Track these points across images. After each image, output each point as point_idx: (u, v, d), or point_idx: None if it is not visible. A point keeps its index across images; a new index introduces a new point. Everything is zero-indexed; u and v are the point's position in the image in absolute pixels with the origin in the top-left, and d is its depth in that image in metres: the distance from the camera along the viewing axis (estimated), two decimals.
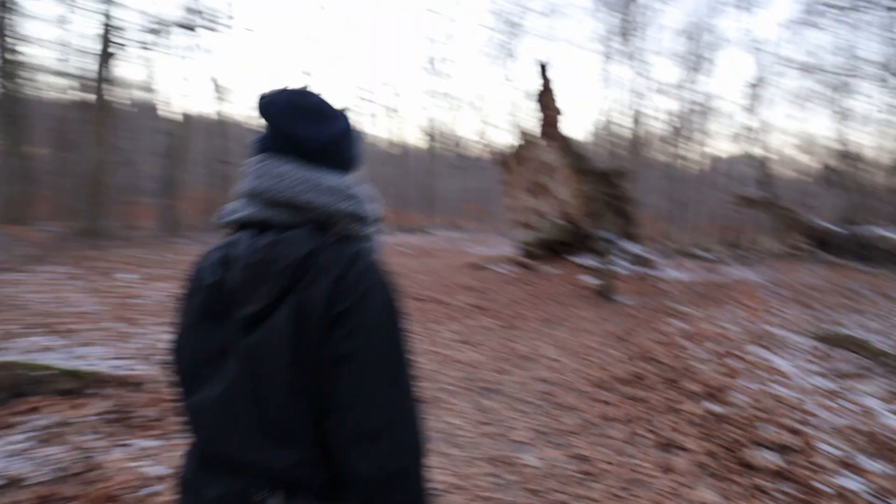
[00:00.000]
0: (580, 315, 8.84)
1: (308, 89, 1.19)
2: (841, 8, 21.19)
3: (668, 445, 4.13)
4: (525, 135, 15.42)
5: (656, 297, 10.51)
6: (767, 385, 5.21)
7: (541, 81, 14.82)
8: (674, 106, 38.47)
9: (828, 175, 24.10)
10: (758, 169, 23.08)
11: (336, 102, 1.22)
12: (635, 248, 14.65)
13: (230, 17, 23.81)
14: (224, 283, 1.12)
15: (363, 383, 1.04)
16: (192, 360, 1.16)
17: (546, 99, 14.83)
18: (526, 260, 13.79)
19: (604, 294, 10.15)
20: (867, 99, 40.66)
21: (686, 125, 37.99)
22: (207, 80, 24.12)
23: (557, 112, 14.71)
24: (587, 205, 14.55)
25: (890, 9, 24.62)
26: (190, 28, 19.87)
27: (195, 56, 23.55)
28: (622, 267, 13.73)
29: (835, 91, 33.75)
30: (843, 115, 31.14)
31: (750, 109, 31.26)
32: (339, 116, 1.20)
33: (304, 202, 1.11)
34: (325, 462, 1.07)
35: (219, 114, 23.65)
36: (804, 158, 41.10)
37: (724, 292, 11.08)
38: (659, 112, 35.03)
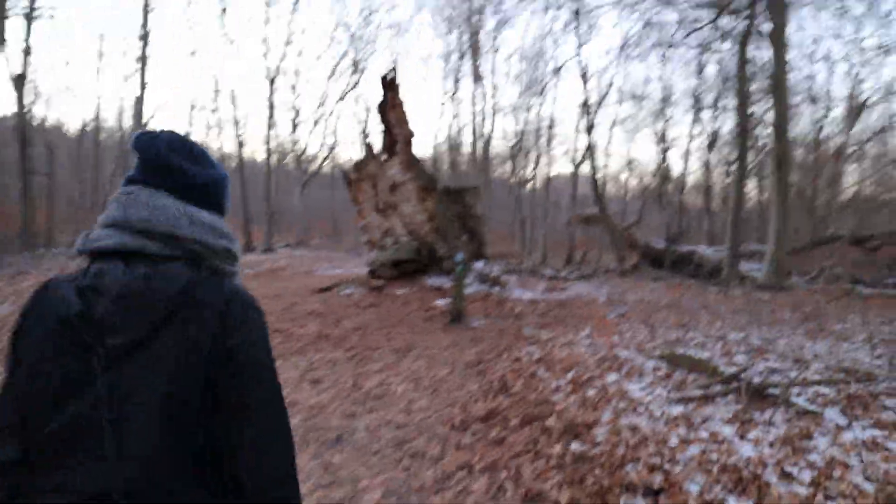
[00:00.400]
0: (433, 341, 8.40)
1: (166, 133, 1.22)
2: (656, 45, 23.20)
3: (534, 498, 3.73)
4: (370, 150, 14.91)
5: (506, 318, 10.37)
6: (627, 416, 5.02)
7: (385, 95, 14.39)
8: (514, 126, 39.96)
9: (655, 195, 25.89)
10: (592, 189, 24.33)
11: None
12: (484, 267, 14.60)
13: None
14: (87, 315, 1.06)
15: (263, 430, 1.08)
16: (41, 395, 1.05)
17: (391, 114, 14.42)
18: (377, 282, 13.21)
19: (454, 317, 9.82)
20: (681, 126, 44.47)
21: (526, 145, 39.65)
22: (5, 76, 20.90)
23: (404, 128, 14.35)
24: (436, 223, 14.28)
25: (700, 46, 27.30)
26: None
27: None
28: (471, 286, 13.59)
29: (655, 118, 36.89)
30: (663, 140, 34.02)
31: (583, 132, 33.23)
32: (218, 164, 1.27)
33: (183, 235, 1.12)
34: (203, 493, 1.06)
35: (20, 116, 20.72)
36: (631, 180, 44.57)
37: (571, 311, 11.23)
38: (500, 132, 36.17)
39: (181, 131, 1.25)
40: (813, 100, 29.14)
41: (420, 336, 8.74)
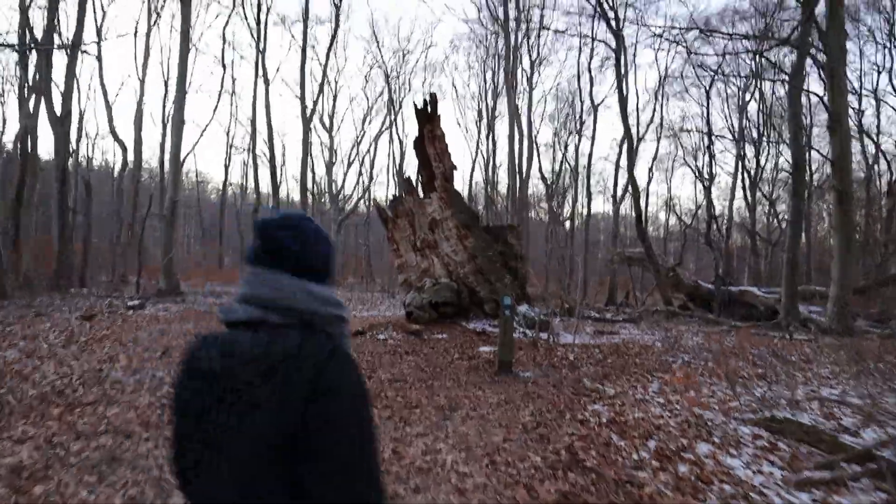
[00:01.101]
0: (481, 397, 7.34)
1: (304, 214, 1.43)
2: (695, 82, 22.38)
3: None
4: (408, 185, 14.11)
5: (559, 368, 9.27)
6: None
7: (422, 127, 13.63)
8: (552, 165, 39.13)
9: (701, 235, 24.55)
10: (637, 227, 23.18)
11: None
12: (528, 310, 13.53)
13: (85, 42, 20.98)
14: (221, 372, 1.20)
15: (335, 474, 1.14)
16: (181, 434, 1.25)
17: (430, 147, 13.64)
18: (414, 326, 12.23)
19: (502, 367, 8.75)
20: (723, 163, 43.25)
21: (563, 184, 38.71)
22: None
23: (444, 161, 13.54)
24: (478, 263, 13.32)
25: (745, 77, 26.34)
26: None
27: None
28: (516, 331, 12.52)
29: (695, 156, 35.71)
30: (704, 178, 32.77)
31: (623, 169, 32.20)
32: (327, 239, 1.41)
33: (299, 308, 1.26)
34: None
35: (59, 154, 20.55)
36: (669, 218, 43.18)
37: (629, 360, 10.08)
38: (537, 170, 35.34)
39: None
40: (865, 134, 27.79)
41: (466, 390, 7.69)
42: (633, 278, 28.09)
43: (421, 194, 13.93)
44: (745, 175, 33.09)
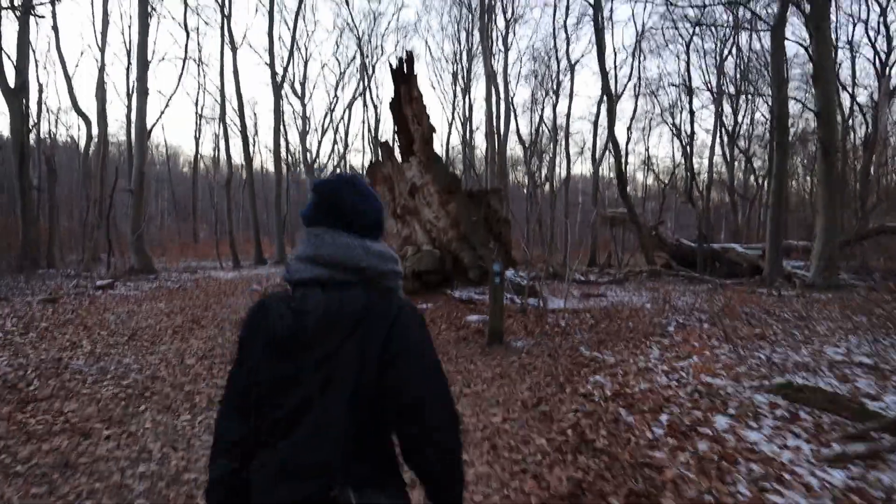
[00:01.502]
0: (474, 372, 6.87)
1: (357, 175, 1.57)
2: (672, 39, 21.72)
3: None
4: (386, 150, 13.44)
5: (552, 336, 8.83)
6: (774, 491, 3.49)
7: (398, 89, 12.91)
8: (529, 126, 38.44)
9: (683, 193, 24.23)
10: (619, 188, 22.75)
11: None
12: (515, 276, 13.07)
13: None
14: (298, 329, 1.33)
15: (436, 412, 1.35)
16: (268, 388, 1.36)
17: (407, 109, 12.94)
18: None
19: (494, 338, 8.28)
20: (701, 120, 42.91)
21: (541, 145, 38.10)
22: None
23: (423, 124, 12.86)
24: (461, 229, 12.78)
25: (725, 27, 25.73)
26: None
27: None
28: (507, 299, 12.06)
29: (672, 113, 35.24)
30: (683, 136, 32.36)
31: (601, 129, 31.62)
32: (377, 197, 1.54)
33: (362, 266, 1.38)
34: (376, 462, 1.34)
35: (16, 131, 19.42)
36: (648, 177, 42.90)
37: (622, 324, 9.68)
38: (514, 133, 34.59)
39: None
40: (842, 86, 27.46)
41: (457, 365, 7.22)
42: (615, 239, 27.75)
43: (399, 159, 13.28)
44: (724, 132, 32.72)
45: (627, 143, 33.82)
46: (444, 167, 13.39)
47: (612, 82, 28.71)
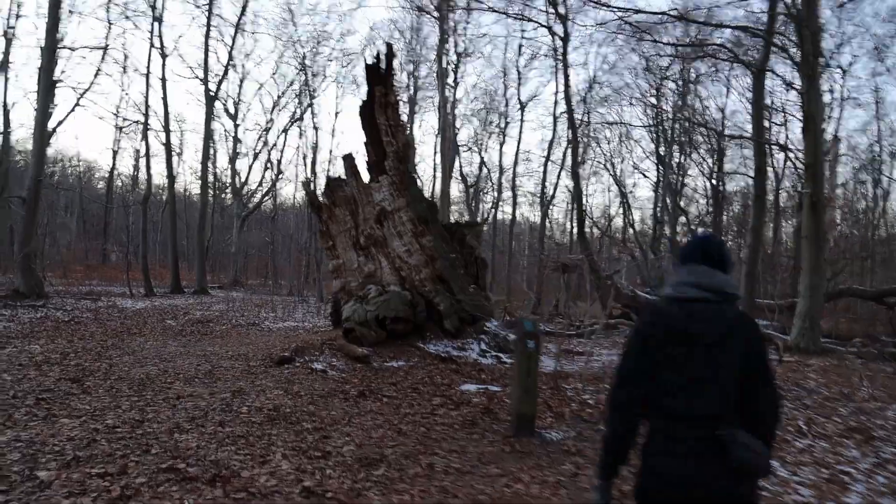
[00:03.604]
0: (522, 494, 4.17)
1: (715, 237, 2.35)
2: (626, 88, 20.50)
3: None
4: (350, 166, 10.69)
5: (587, 419, 6.25)
6: None
7: (371, 91, 10.27)
8: (469, 166, 36.49)
9: (650, 242, 22.56)
10: (579, 234, 20.78)
11: None
12: (499, 328, 10.48)
13: None
14: (689, 327, 2.02)
15: (768, 385, 2.02)
16: (666, 364, 2.03)
17: (381, 116, 10.28)
18: (359, 349, 8.81)
19: (522, 425, 5.59)
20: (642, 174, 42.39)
21: (483, 185, 36.20)
22: None
23: (398, 137, 10.24)
24: (438, 267, 10.12)
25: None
26: None
27: None
28: (488, 356, 9.41)
29: (612, 163, 34.20)
30: (624, 190, 31.24)
31: (549, 173, 30.00)
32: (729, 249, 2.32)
33: (727, 291, 2.08)
34: (736, 412, 1.98)
35: None
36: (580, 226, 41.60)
37: None
38: (458, 171, 32.50)
39: None
40: (781, 147, 26.98)
41: (488, 480, 4.46)
42: (567, 287, 25.74)
43: (366, 178, 10.57)
44: (667, 191, 31.73)
45: (555, 190, 31.72)
46: (419, 191, 10.79)
47: (550, 125, 27.11)
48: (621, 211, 35.94)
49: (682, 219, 33.16)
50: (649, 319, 2.13)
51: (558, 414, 6.40)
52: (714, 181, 30.87)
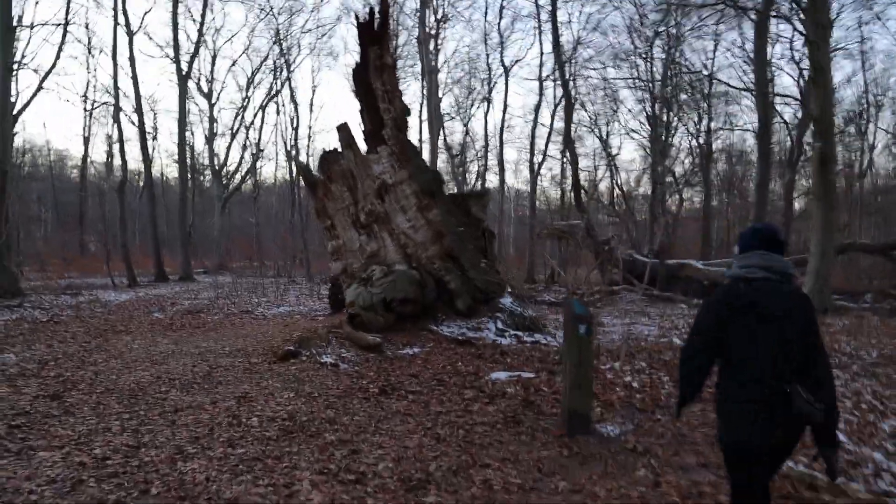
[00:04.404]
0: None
1: (773, 225, 2.83)
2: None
3: None
4: (346, 137, 9.74)
5: (645, 409, 5.53)
6: None
7: (365, 52, 9.27)
8: (453, 136, 35.42)
9: (652, 206, 21.85)
10: (575, 200, 19.98)
11: None
12: (514, 305, 9.73)
13: None
14: (757, 302, 2.45)
15: (821, 351, 2.48)
16: (738, 333, 2.47)
17: (377, 80, 9.32)
18: (369, 337, 7.99)
19: (576, 423, 4.83)
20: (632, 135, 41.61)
21: (465, 155, 35.24)
22: None
23: (396, 103, 9.29)
24: (446, 243, 9.29)
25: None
26: None
27: None
28: (506, 336, 8.66)
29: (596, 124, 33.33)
30: (609, 151, 30.41)
31: (538, 139, 29.05)
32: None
33: (789, 272, 2.51)
34: (799, 373, 2.41)
35: None
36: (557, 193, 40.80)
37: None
38: (442, 140, 31.39)
39: None
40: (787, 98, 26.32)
41: (556, 498, 3.71)
42: (561, 254, 25.10)
43: (364, 149, 9.64)
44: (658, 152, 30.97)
45: (544, 156, 30.71)
46: (422, 161, 9.90)
47: (532, 88, 26.13)
48: (608, 174, 35.21)
49: (669, 178, 32.58)
50: (722, 297, 2.57)
51: (607, 402, 5.65)
52: (700, 140, 30.24)
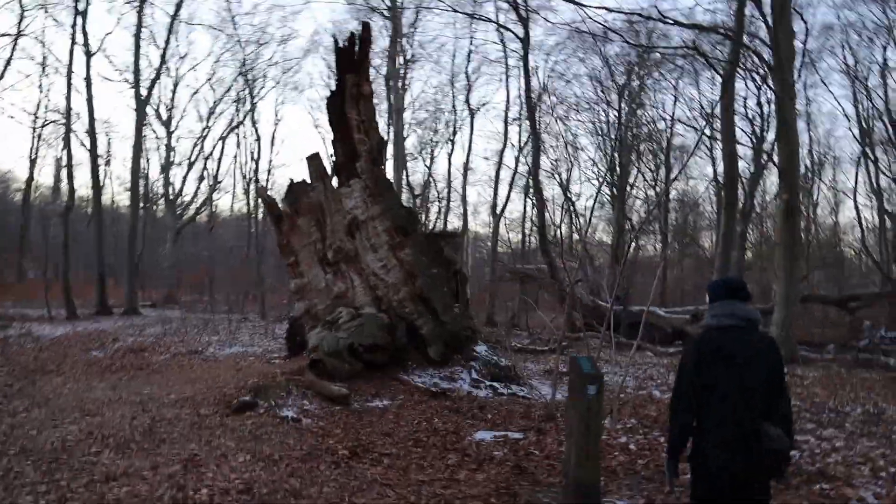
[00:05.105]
0: None
1: (737, 278, 3.55)
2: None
3: None
4: (316, 167, 9.06)
5: (651, 478, 4.91)
6: None
7: (342, 77, 8.68)
8: (419, 175, 35.06)
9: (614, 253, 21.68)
10: (540, 242, 19.68)
11: None
12: (488, 352, 9.09)
13: None
14: (729, 349, 2.62)
15: (783, 394, 2.66)
16: (714, 379, 2.60)
17: (352, 109, 8.73)
18: (335, 388, 7.18)
19: (584, 495, 4.16)
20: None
21: (431, 195, 34.91)
22: None
23: (372, 134, 8.71)
24: (416, 285, 8.63)
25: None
26: None
27: None
28: (482, 387, 7.99)
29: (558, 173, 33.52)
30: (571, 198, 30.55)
31: (502, 182, 28.90)
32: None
33: (754, 319, 2.73)
34: (771, 412, 2.56)
35: None
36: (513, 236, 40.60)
37: None
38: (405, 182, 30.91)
39: None
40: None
41: None
42: (524, 298, 24.62)
43: (335, 182, 8.97)
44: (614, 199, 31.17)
45: (507, 200, 30.60)
46: (397, 197, 9.30)
47: (494, 131, 26.12)
48: (567, 220, 35.31)
49: (626, 226, 32.86)
50: (698, 345, 2.80)
51: (608, 469, 5.01)
52: (657, 189, 30.65)
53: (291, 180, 8.98)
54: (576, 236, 34.14)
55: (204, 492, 4.13)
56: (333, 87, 8.81)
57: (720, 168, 27.16)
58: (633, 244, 33.49)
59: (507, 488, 4.55)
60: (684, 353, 2.96)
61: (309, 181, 8.94)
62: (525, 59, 18.64)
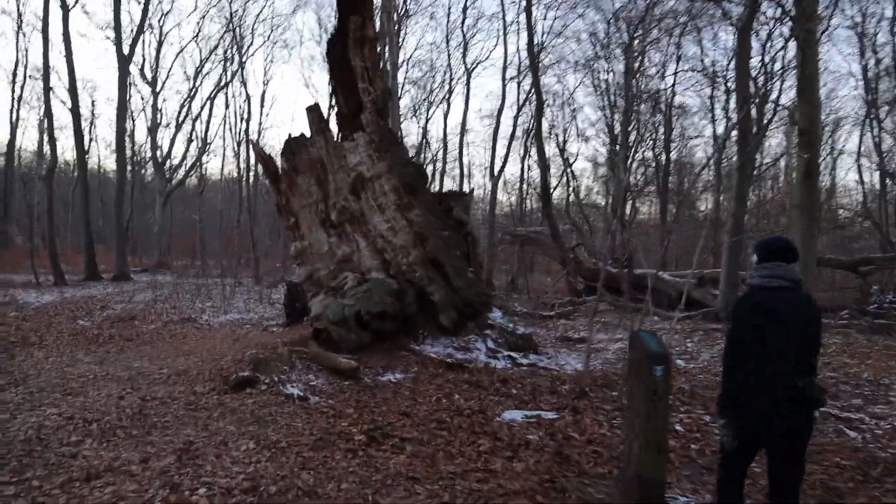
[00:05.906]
0: None
1: (785, 239, 3.15)
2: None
3: None
4: (317, 119, 8.23)
5: (710, 468, 4.30)
6: None
7: (344, 21, 7.80)
8: (412, 139, 34.04)
9: (616, 214, 20.97)
10: (543, 204, 18.94)
11: None
12: (504, 320, 8.44)
13: None
14: (777, 308, 2.74)
15: (818, 352, 2.86)
16: (763, 337, 2.73)
17: (356, 56, 7.87)
18: (341, 359, 6.52)
19: (647, 492, 3.54)
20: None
21: (427, 154, 33.95)
22: None
23: (377, 83, 7.87)
24: (429, 247, 7.92)
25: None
26: None
27: None
28: (500, 359, 7.36)
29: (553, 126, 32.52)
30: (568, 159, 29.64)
31: (500, 141, 27.97)
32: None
33: (799, 280, 2.82)
34: (808, 368, 2.78)
35: None
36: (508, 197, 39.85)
37: None
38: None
39: None
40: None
41: None
42: (523, 261, 24.03)
43: (338, 135, 8.17)
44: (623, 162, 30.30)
45: (505, 161, 29.73)
46: (404, 152, 8.51)
47: (495, 90, 25.04)
48: (564, 182, 34.51)
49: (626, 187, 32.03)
50: (746, 305, 2.90)
51: (682, 456, 4.40)
52: (656, 151, 29.83)
53: (290, 135, 8.15)
54: (573, 198, 33.55)
55: (202, 491, 3.48)
56: (334, 32, 7.90)
57: (720, 129, 26.52)
58: (631, 207, 33.02)
59: (551, 481, 3.93)
60: (734, 315, 2.99)
61: (308, 135, 8.13)
62: (528, 10, 17.57)
